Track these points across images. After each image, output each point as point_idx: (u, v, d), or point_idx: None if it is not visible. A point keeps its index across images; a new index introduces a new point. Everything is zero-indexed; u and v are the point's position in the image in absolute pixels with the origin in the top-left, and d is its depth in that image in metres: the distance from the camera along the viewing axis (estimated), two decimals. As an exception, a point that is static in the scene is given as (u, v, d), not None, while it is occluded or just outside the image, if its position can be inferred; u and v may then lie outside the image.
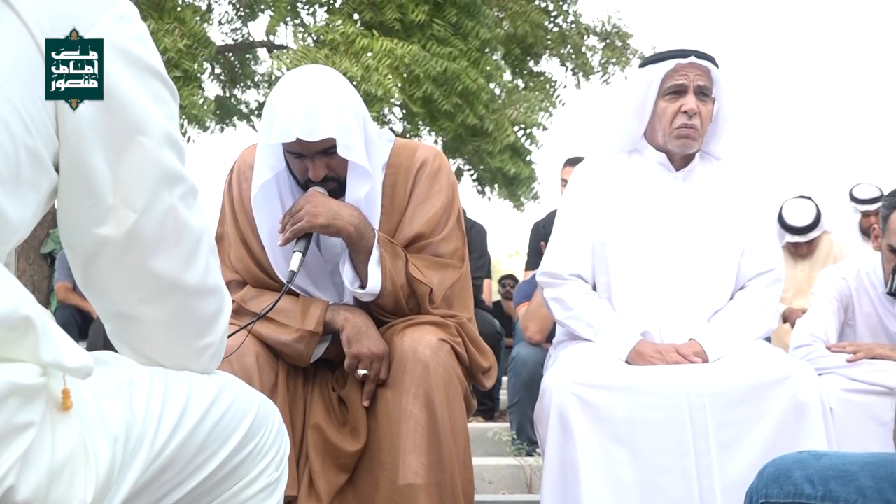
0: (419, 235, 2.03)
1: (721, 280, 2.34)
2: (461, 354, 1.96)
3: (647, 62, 2.41)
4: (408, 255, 1.99)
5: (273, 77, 7.16)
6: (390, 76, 6.57)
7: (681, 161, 2.40)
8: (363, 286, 1.95)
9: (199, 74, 7.10)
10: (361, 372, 1.91)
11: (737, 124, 2.45)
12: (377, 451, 1.87)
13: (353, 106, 1.91)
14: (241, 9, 8.05)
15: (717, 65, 2.36)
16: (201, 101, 7.06)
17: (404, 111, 8.15)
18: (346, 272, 1.96)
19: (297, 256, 1.90)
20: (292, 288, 1.94)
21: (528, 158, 8.25)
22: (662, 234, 2.34)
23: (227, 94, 8.82)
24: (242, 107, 8.90)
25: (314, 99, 1.85)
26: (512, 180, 8.37)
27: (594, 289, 2.39)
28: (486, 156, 7.89)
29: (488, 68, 7.29)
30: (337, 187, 1.96)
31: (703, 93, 2.33)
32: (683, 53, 2.34)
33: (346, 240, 1.94)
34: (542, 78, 9.02)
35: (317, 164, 1.91)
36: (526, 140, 8.15)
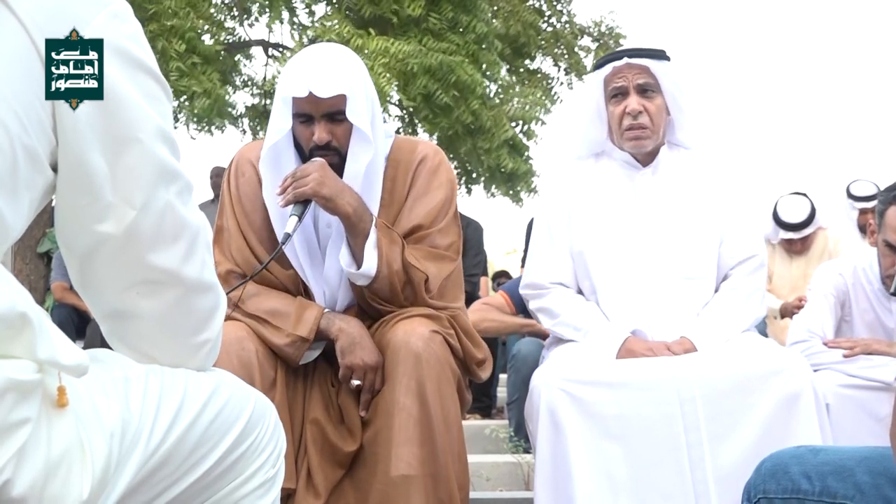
0: (418, 226, 2.04)
1: (702, 272, 2.32)
2: (454, 346, 1.97)
3: (592, 69, 2.45)
4: (405, 243, 2.00)
5: (271, 77, 7.16)
6: (386, 75, 6.55)
7: (646, 156, 2.39)
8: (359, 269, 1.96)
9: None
10: (355, 383, 1.91)
11: (695, 112, 2.44)
12: (372, 443, 1.88)
13: (365, 84, 1.97)
14: (234, 9, 8.01)
15: (665, 58, 2.36)
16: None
17: (403, 110, 8.13)
18: (343, 255, 1.97)
19: (294, 220, 1.92)
20: (292, 269, 1.97)
21: (525, 154, 8.24)
22: (638, 231, 2.33)
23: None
24: (235, 108, 8.72)
25: (330, 62, 1.93)
26: (510, 176, 8.36)
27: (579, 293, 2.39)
28: (482, 153, 7.86)
29: (488, 60, 7.25)
30: (337, 163, 1.97)
31: (647, 89, 2.33)
32: (618, 56, 2.37)
33: (343, 221, 1.95)
34: (538, 75, 9.01)
35: (322, 127, 1.94)
36: (524, 136, 8.13)
